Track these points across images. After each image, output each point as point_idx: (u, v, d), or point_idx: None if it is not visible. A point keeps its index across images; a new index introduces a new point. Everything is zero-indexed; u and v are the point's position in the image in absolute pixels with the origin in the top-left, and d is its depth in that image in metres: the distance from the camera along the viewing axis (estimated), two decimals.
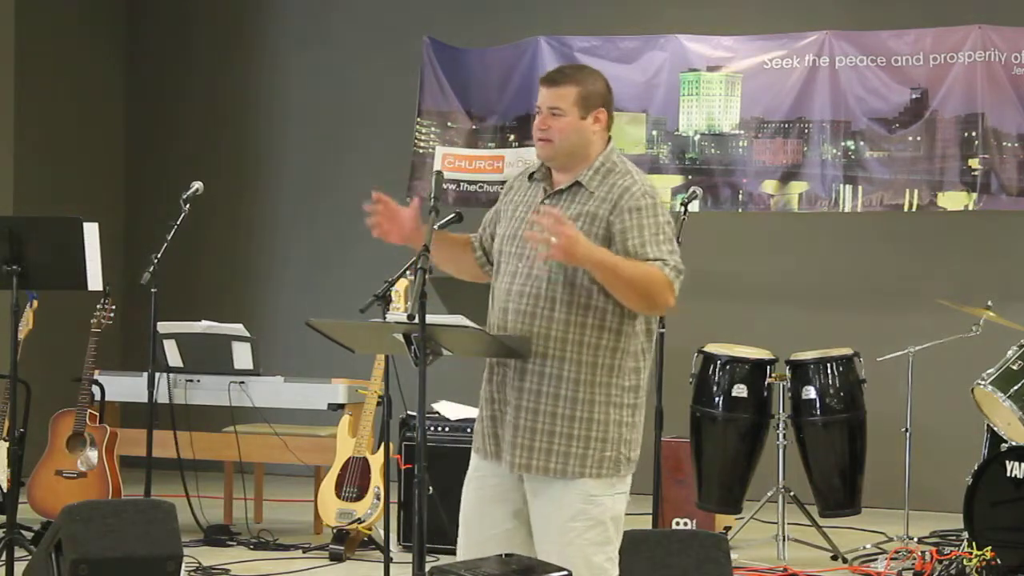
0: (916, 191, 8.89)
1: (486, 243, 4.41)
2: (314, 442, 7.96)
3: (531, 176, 4.30)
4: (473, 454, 4.34)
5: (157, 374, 6.91)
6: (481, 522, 4.22)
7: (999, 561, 6.44)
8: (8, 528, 6.38)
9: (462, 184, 9.61)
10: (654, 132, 9.37)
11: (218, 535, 7.69)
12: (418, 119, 9.70)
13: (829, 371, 7.51)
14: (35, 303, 7.51)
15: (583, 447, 4.12)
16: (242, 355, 7.93)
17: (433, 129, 9.67)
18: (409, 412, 7.22)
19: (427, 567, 4.03)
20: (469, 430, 5.60)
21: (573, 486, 4.12)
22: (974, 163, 8.73)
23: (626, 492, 4.23)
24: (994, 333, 7.54)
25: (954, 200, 8.83)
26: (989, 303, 7.44)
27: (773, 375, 7.52)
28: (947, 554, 6.81)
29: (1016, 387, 6.89)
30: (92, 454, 7.59)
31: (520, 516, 4.22)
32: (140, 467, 7.00)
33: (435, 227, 4.22)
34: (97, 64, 10.73)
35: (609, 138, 4.27)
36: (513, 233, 4.24)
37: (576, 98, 4.19)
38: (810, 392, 7.47)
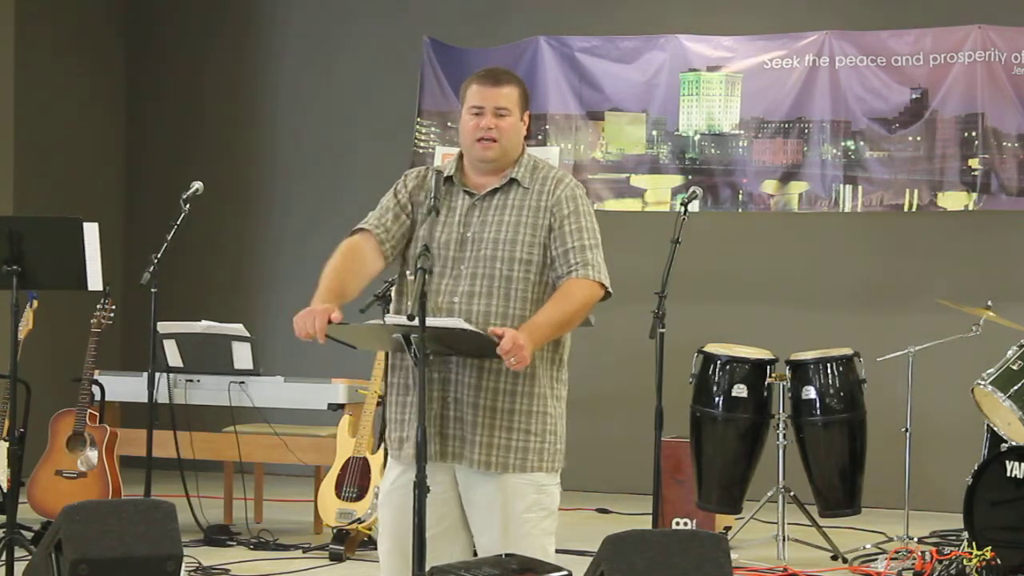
0: (916, 191, 8.89)
1: (391, 232, 4.40)
2: (314, 442, 7.96)
3: (447, 179, 4.30)
4: (393, 462, 4.31)
5: (157, 374, 6.91)
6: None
7: (999, 561, 6.43)
8: (8, 528, 6.37)
9: None
10: (654, 132, 9.37)
11: (218, 535, 7.69)
12: (418, 119, 9.70)
13: (829, 371, 7.50)
14: (35, 303, 7.50)
15: (540, 441, 4.21)
16: (242, 355, 7.93)
17: (433, 129, 9.67)
18: None
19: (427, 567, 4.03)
20: None
21: (527, 478, 4.19)
22: (974, 163, 8.74)
23: (560, 483, 4.33)
24: (994, 333, 7.53)
25: (954, 200, 8.84)
26: (989, 303, 7.44)
27: (773, 375, 7.51)
28: (947, 554, 6.80)
29: (1016, 387, 6.88)
30: (92, 454, 7.59)
31: (450, 515, 4.23)
32: (140, 467, 7.00)
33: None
34: (97, 64, 10.73)
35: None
36: (447, 238, 4.25)
37: (518, 98, 4.30)
38: (810, 392, 7.46)
